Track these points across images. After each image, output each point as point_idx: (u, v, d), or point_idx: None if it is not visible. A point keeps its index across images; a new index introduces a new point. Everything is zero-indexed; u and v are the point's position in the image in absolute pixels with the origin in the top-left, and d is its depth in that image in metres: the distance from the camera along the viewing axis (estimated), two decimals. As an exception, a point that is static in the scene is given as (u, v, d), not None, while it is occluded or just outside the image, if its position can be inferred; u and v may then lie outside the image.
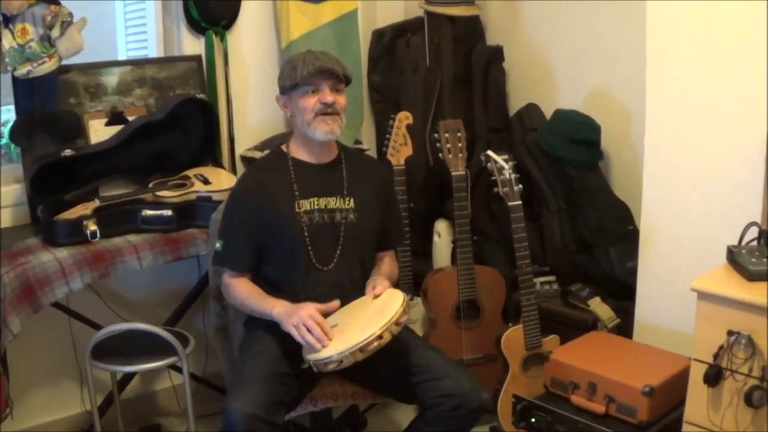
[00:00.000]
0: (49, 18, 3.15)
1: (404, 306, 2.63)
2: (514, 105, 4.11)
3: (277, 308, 2.74)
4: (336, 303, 2.76)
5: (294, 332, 2.63)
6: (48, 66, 3.17)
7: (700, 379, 2.46)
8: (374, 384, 2.95)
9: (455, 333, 3.61)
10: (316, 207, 2.89)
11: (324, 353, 2.56)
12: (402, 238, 3.35)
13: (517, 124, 3.95)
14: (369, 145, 4.32)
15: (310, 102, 2.83)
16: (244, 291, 2.88)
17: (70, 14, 3.20)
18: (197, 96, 3.55)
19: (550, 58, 4.04)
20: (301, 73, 2.80)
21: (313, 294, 2.80)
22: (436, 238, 4.01)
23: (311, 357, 2.59)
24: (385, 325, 2.55)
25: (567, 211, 3.75)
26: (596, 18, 3.79)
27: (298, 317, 2.64)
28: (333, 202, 2.92)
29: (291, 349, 2.69)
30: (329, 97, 2.82)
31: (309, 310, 2.66)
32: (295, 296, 2.80)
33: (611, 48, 3.75)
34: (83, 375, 3.56)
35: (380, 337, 2.54)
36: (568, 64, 3.97)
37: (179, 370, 3.28)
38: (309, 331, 2.60)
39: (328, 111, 2.83)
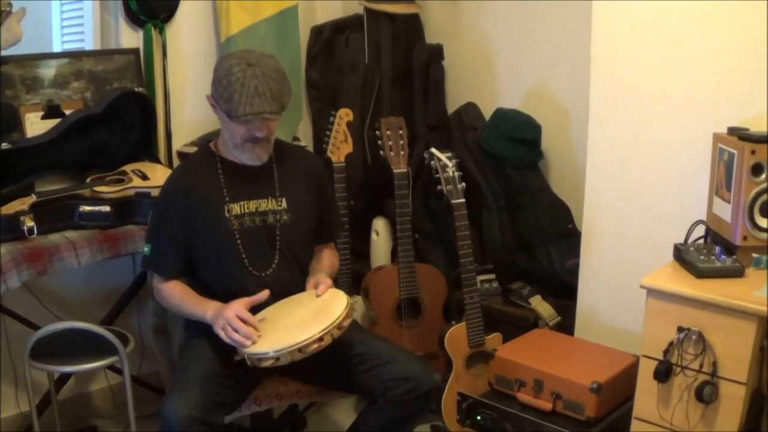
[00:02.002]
0: (-13, 8, 3.07)
1: (348, 309, 2.62)
2: (453, 104, 4.12)
3: (209, 311, 2.69)
4: (265, 293, 2.71)
5: (222, 334, 2.59)
6: (-15, 57, 3.09)
7: (650, 375, 2.50)
8: (321, 379, 2.91)
9: (396, 331, 3.60)
10: (246, 211, 2.82)
11: (259, 348, 2.54)
12: (340, 228, 3.31)
13: (455, 122, 3.97)
14: (306, 142, 4.30)
15: (241, 130, 2.70)
16: (175, 295, 2.82)
17: (9, 4, 3.10)
18: (136, 90, 3.46)
19: (489, 58, 4.06)
20: (236, 107, 2.61)
21: None
22: (374, 236, 4.00)
23: (245, 350, 2.56)
24: (326, 328, 2.54)
25: (507, 210, 3.77)
26: (536, 18, 3.82)
27: (223, 318, 2.60)
28: (264, 204, 2.85)
29: (231, 349, 2.63)
30: (261, 133, 2.69)
31: (234, 308, 2.61)
32: None
33: (550, 48, 3.79)
34: (17, 376, 3.47)
35: (321, 339, 2.53)
36: (507, 63, 4.00)
37: (116, 369, 3.20)
38: (236, 330, 2.56)
39: (257, 140, 2.73)
